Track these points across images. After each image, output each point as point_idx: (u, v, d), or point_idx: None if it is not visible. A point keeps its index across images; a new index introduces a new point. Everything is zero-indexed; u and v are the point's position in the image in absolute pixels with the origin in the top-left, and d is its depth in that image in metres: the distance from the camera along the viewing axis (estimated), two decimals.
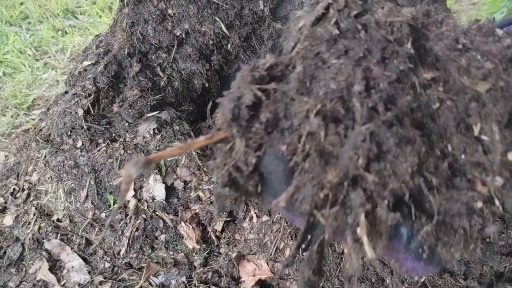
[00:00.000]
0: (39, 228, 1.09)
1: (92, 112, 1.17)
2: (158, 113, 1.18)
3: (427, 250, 0.34)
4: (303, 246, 0.37)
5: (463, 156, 0.34)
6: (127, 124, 1.17)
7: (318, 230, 0.36)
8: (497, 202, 0.34)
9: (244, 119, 0.37)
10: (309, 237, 0.37)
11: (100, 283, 1.00)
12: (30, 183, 1.19)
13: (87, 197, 1.09)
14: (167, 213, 1.05)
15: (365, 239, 0.33)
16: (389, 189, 0.33)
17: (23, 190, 1.18)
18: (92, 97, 1.17)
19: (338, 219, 0.34)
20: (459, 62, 0.35)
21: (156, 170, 1.09)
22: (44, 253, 1.05)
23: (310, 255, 0.37)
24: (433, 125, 0.35)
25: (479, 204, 0.34)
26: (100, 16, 2.34)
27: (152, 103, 1.19)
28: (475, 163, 0.34)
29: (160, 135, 1.14)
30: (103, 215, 1.07)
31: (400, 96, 0.35)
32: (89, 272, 1.02)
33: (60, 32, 2.24)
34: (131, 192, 1.08)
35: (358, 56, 0.35)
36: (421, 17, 0.38)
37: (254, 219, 1.03)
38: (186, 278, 0.98)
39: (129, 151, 1.12)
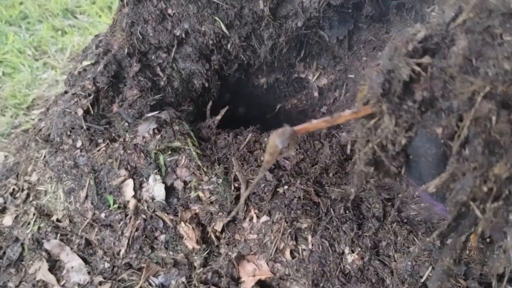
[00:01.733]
0: (39, 228, 1.08)
1: (92, 112, 1.17)
2: (157, 113, 1.18)
3: None
4: (446, 233, 0.35)
5: None
6: (126, 124, 1.17)
7: (468, 220, 0.34)
8: None
9: (396, 96, 0.33)
10: (455, 225, 0.34)
11: (100, 283, 1.00)
12: (30, 183, 1.18)
13: (86, 197, 1.09)
14: (167, 213, 1.04)
15: None
16: None
17: (23, 190, 1.18)
18: (91, 97, 1.17)
19: (498, 215, 0.31)
20: None
21: (156, 170, 1.09)
22: (43, 253, 1.05)
23: (453, 245, 0.35)
24: None
25: None
26: (100, 16, 2.33)
27: (151, 103, 1.19)
28: None
29: (160, 135, 1.14)
30: (102, 215, 1.07)
31: None
32: (88, 273, 1.02)
33: (59, 31, 2.24)
34: (131, 192, 1.07)
35: None
36: None
37: (254, 219, 1.03)
38: (186, 278, 0.98)
39: (128, 151, 1.12)
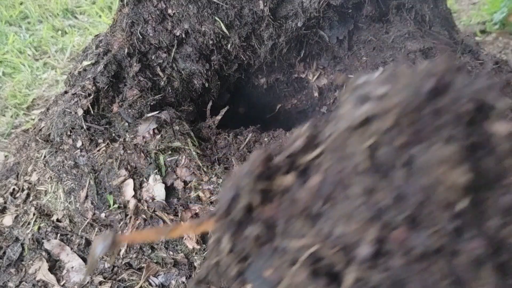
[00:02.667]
0: (39, 228, 1.08)
1: (92, 112, 1.17)
2: (158, 113, 1.18)
3: None
4: None
5: None
6: (127, 124, 1.17)
7: None
8: None
9: (237, 219, 0.29)
10: None
11: (100, 283, 1.00)
12: (30, 183, 1.18)
13: (86, 197, 1.09)
14: (167, 213, 1.05)
15: None
16: None
17: (23, 190, 1.18)
18: (91, 97, 1.17)
19: None
20: None
21: (156, 170, 1.09)
22: (43, 253, 1.05)
23: None
24: None
25: None
26: (100, 16, 2.33)
27: (152, 103, 1.19)
28: None
29: (160, 135, 1.14)
30: (102, 215, 1.07)
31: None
32: None
33: (59, 32, 2.24)
34: (131, 192, 1.08)
35: (382, 205, 0.23)
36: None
37: None
38: (186, 278, 0.98)
39: (129, 151, 1.12)
